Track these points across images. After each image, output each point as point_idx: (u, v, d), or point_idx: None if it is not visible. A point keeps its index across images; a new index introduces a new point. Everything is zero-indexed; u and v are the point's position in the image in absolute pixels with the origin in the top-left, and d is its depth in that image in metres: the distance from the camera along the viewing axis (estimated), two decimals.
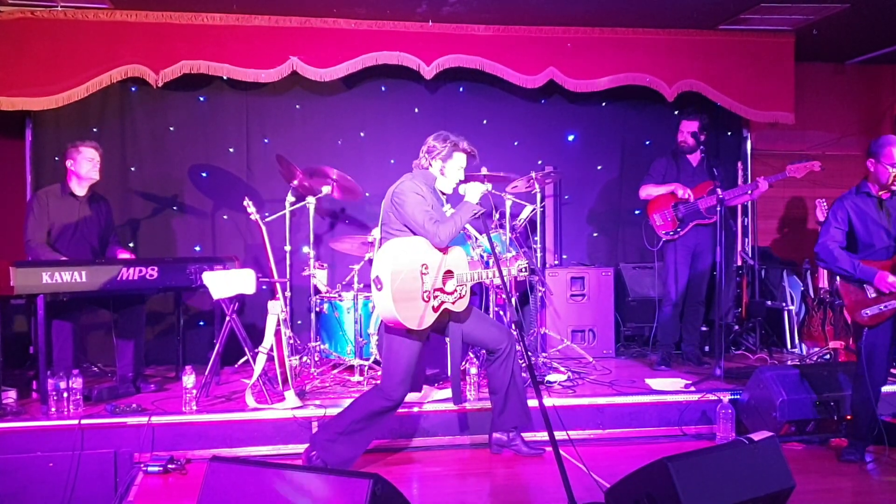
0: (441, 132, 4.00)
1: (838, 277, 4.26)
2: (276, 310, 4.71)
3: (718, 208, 5.27)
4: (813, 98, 7.15)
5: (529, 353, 3.68)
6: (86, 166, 4.94)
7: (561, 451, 3.01)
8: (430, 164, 3.96)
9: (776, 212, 7.35)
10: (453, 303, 3.92)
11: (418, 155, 4.02)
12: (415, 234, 3.83)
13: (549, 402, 4.64)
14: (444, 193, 4.05)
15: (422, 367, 4.15)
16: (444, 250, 3.89)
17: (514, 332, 4.22)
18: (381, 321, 3.96)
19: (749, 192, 5.59)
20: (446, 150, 3.93)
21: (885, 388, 4.79)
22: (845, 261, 4.14)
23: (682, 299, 5.82)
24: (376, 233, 4.36)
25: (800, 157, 7.11)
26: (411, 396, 4.66)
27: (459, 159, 3.98)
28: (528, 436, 4.49)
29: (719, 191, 5.32)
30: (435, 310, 3.82)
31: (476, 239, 5.22)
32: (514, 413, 4.17)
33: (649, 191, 5.81)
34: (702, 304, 5.89)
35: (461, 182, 4.03)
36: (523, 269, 4.22)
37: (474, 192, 3.92)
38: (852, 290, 4.18)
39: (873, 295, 4.08)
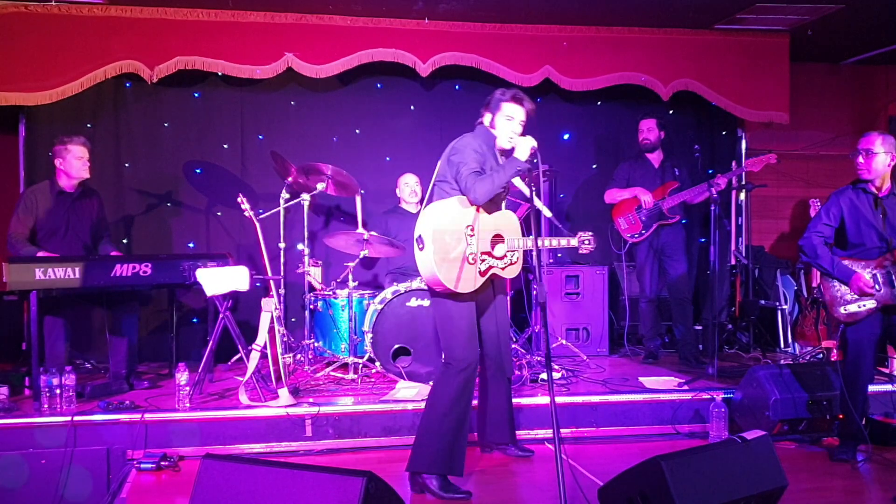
0: None
1: (820, 273, 4.30)
2: (270, 307, 4.70)
3: (712, 207, 5.33)
4: (808, 98, 7.17)
5: (549, 342, 3.51)
6: (76, 165, 4.90)
7: (551, 448, 3.01)
8: (483, 118, 3.78)
9: (770, 211, 7.37)
10: (503, 268, 3.75)
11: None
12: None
13: (544, 399, 4.66)
14: (503, 154, 3.79)
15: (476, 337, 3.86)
16: (491, 212, 3.71)
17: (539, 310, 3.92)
18: (429, 290, 3.77)
19: (707, 190, 5.59)
20: (493, 101, 3.76)
21: (877, 388, 4.85)
22: (825, 258, 4.18)
23: (658, 297, 6.00)
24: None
25: (793, 156, 7.18)
26: (407, 394, 4.67)
27: (508, 110, 3.72)
28: (522, 432, 4.53)
29: (713, 190, 5.36)
30: (482, 274, 3.66)
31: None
32: (503, 427, 4.13)
33: (614, 195, 5.99)
34: (688, 302, 5.92)
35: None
36: (587, 241, 3.87)
37: (524, 147, 3.62)
38: (833, 286, 4.20)
39: (854, 293, 4.11)
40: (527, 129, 6.58)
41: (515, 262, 3.81)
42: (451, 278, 3.57)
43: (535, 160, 3.62)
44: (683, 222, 6.03)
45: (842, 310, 4.15)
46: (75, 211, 4.99)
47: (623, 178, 6.00)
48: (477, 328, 3.77)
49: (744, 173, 6.96)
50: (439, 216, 3.60)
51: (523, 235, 3.85)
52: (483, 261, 3.68)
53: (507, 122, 3.73)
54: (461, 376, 3.64)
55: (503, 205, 3.89)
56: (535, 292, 6.03)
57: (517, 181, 4.15)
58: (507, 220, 3.82)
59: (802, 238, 4.29)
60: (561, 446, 3.00)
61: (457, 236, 3.61)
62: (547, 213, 3.86)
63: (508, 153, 3.75)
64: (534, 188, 3.61)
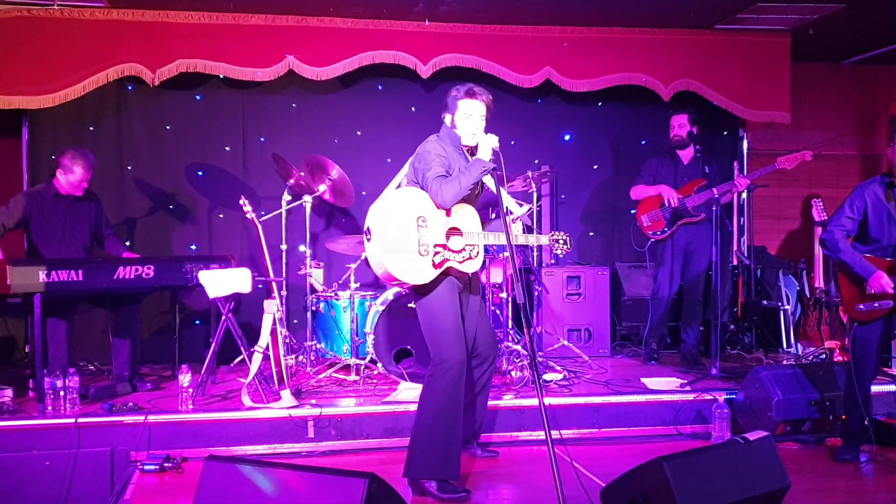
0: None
1: (838, 269, 4.23)
2: (272, 309, 4.71)
3: (714, 207, 5.31)
4: (809, 98, 7.17)
5: (533, 347, 3.47)
6: (76, 185, 4.93)
7: (556, 451, 3.02)
8: (444, 118, 3.72)
9: (772, 211, 7.36)
10: (460, 262, 3.64)
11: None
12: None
13: (546, 400, 4.66)
14: (470, 152, 3.75)
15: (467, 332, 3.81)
16: (450, 207, 3.62)
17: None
18: (411, 292, 3.70)
19: (729, 189, 5.57)
20: (449, 101, 3.69)
21: (879, 388, 4.85)
22: (847, 253, 4.09)
23: (674, 298, 5.95)
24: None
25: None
26: (408, 395, 4.67)
27: (464, 107, 3.65)
28: (524, 433, 4.57)
29: (715, 190, 5.35)
30: (436, 266, 3.57)
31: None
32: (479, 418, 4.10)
33: (639, 192, 5.92)
34: (699, 304, 5.90)
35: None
36: (561, 241, 3.88)
37: (485, 147, 3.59)
38: (850, 283, 4.16)
39: (870, 291, 4.07)
40: (524, 129, 6.58)
41: (475, 257, 3.71)
42: (402, 270, 3.51)
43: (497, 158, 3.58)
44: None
45: (859, 307, 4.11)
46: (73, 213, 5.01)
47: (650, 175, 5.89)
48: (462, 328, 3.70)
49: (744, 172, 6.97)
50: (387, 207, 3.55)
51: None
52: (437, 253, 3.58)
53: (467, 120, 3.67)
54: (449, 376, 3.57)
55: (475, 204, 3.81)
56: (536, 293, 6.04)
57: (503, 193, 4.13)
58: (465, 215, 3.72)
59: (825, 231, 4.20)
60: (555, 447, 3.00)
61: (405, 226, 3.54)
62: (519, 211, 3.82)
63: (475, 149, 3.69)
64: (500, 186, 3.56)
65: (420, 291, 3.65)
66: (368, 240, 3.54)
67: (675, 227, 5.75)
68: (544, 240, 3.91)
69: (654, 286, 5.97)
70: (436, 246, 3.59)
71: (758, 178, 5.59)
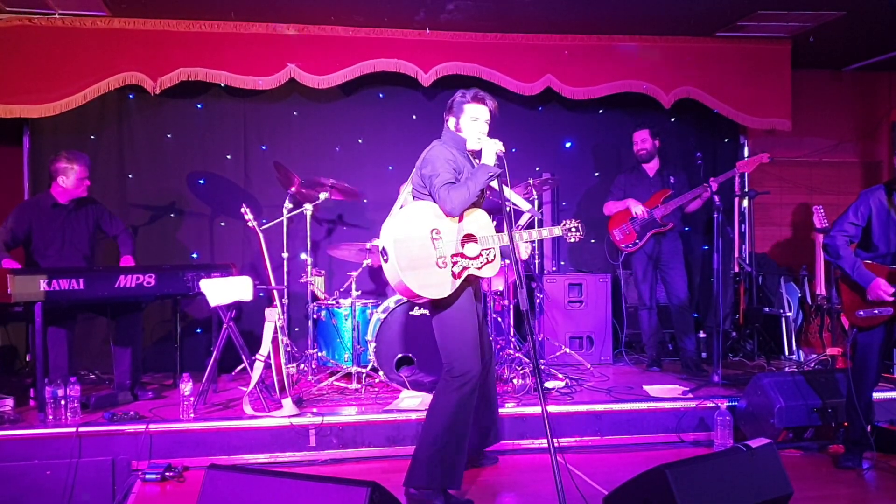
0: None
1: (840, 275, 4.22)
2: (274, 317, 4.71)
3: (715, 214, 5.32)
4: (810, 105, 7.17)
5: (537, 355, 3.46)
6: (78, 185, 4.94)
7: (559, 459, 3.01)
8: (447, 122, 3.74)
9: (773, 218, 7.36)
10: (479, 268, 3.64)
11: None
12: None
13: (548, 408, 4.65)
14: (475, 156, 3.76)
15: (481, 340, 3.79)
16: (459, 215, 3.62)
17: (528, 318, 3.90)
18: (429, 303, 3.67)
19: (696, 196, 5.65)
20: (454, 104, 3.71)
21: (883, 395, 4.83)
22: (847, 260, 4.09)
23: (656, 304, 6.01)
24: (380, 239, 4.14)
25: (795, 162, 7.19)
26: (410, 403, 4.66)
27: (471, 111, 3.68)
28: (526, 441, 4.55)
29: (715, 198, 5.35)
30: (456, 276, 3.55)
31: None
32: (489, 430, 4.09)
33: (611, 208, 6.04)
34: (687, 310, 5.91)
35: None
36: (573, 229, 3.92)
37: (489, 151, 3.59)
38: (851, 289, 4.16)
39: (870, 298, 4.06)
40: (526, 136, 6.59)
41: (492, 261, 3.70)
42: (423, 285, 3.49)
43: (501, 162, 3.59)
44: (686, 229, 6.04)
45: (858, 313, 4.10)
46: (71, 223, 5.01)
47: (620, 190, 6.05)
48: (479, 340, 3.68)
49: (745, 179, 6.98)
50: (400, 225, 3.53)
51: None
52: (455, 263, 3.58)
53: (473, 123, 3.70)
54: (465, 389, 3.54)
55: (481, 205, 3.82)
56: (538, 300, 6.04)
57: (507, 191, 4.15)
58: (477, 219, 3.72)
59: (827, 237, 4.20)
60: (557, 455, 2.99)
61: (420, 242, 3.52)
62: (525, 205, 3.81)
63: (480, 154, 3.69)
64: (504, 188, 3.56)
65: (439, 304, 3.62)
66: (385, 260, 3.51)
67: (645, 238, 5.84)
68: (557, 231, 3.94)
69: (638, 296, 6.05)
70: (453, 256, 3.59)
71: (721, 181, 5.61)
